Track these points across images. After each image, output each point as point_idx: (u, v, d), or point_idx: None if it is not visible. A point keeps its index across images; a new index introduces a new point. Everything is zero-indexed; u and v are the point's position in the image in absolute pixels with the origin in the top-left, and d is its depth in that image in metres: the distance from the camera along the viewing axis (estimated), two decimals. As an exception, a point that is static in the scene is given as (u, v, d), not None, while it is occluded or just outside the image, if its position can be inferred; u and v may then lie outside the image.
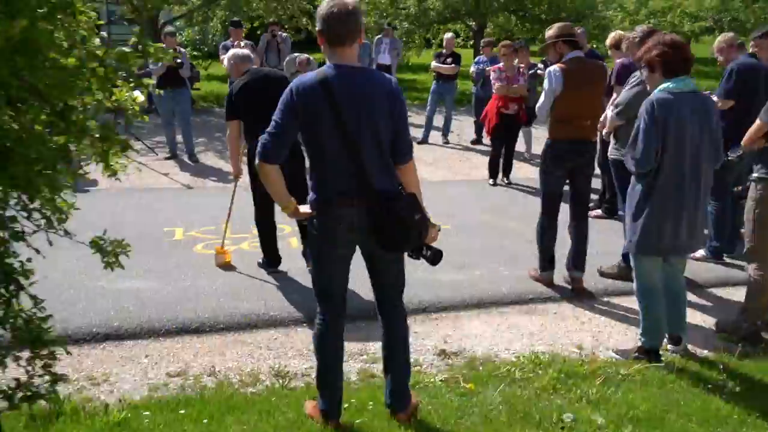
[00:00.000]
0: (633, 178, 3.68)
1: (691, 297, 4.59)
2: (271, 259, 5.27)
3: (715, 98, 5.08)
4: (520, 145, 9.76)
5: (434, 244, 2.89)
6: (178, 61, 8.62)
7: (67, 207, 1.96)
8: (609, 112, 5.41)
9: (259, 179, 4.89)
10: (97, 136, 1.48)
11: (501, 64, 8.07)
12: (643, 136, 3.45)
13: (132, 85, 1.84)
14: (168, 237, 5.97)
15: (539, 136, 10.44)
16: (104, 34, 2.22)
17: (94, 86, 1.47)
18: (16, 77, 1.16)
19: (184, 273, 5.12)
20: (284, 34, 11.73)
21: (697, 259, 5.37)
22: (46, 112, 1.33)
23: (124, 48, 1.51)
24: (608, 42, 6.46)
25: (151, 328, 4.22)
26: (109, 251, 1.88)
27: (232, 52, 5.13)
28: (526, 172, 8.93)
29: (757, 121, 3.93)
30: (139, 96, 1.88)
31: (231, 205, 5.58)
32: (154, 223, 6.34)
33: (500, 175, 8.23)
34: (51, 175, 1.37)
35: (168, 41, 9.50)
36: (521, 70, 8.07)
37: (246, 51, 5.31)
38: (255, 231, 6.09)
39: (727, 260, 5.52)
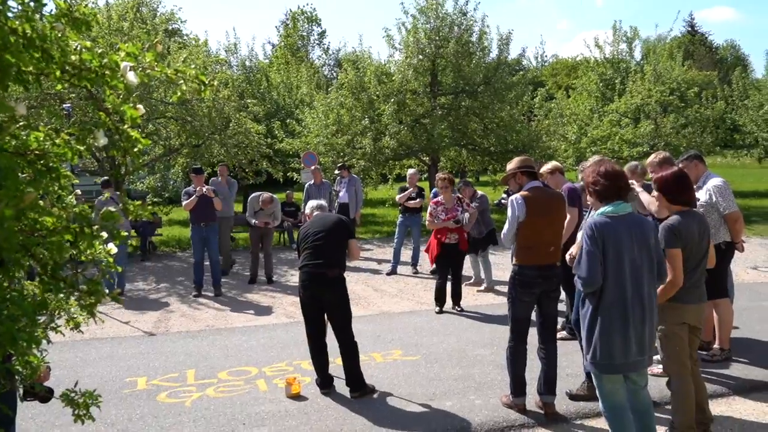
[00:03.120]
0: (583, 299, 3.83)
1: (662, 413, 4.62)
2: (323, 380, 5.53)
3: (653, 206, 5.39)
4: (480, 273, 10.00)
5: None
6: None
7: (37, 362, 1.96)
8: (580, 235, 5.68)
9: (309, 304, 5.43)
10: (85, 290, 1.54)
11: (440, 197, 8.40)
12: (586, 257, 3.67)
13: (106, 237, 1.93)
14: (130, 387, 5.78)
15: (498, 263, 10.74)
16: (78, 191, 2.33)
17: (82, 245, 1.55)
18: (9, 242, 1.24)
19: (147, 425, 4.92)
20: (232, 180, 12.16)
21: (658, 375, 5.42)
22: (37, 272, 1.40)
23: (110, 208, 1.61)
24: (548, 167, 6.78)
25: (113, 487, 4.00)
26: (80, 404, 1.87)
27: (311, 202, 6.07)
28: (488, 299, 9.07)
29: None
30: (113, 248, 1.96)
31: None
32: (116, 374, 6.15)
33: (451, 304, 8.35)
34: (30, 330, 1.41)
35: (104, 189, 9.99)
36: (461, 200, 8.40)
37: (321, 201, 6.15)
38: (221, 376, 6.00)
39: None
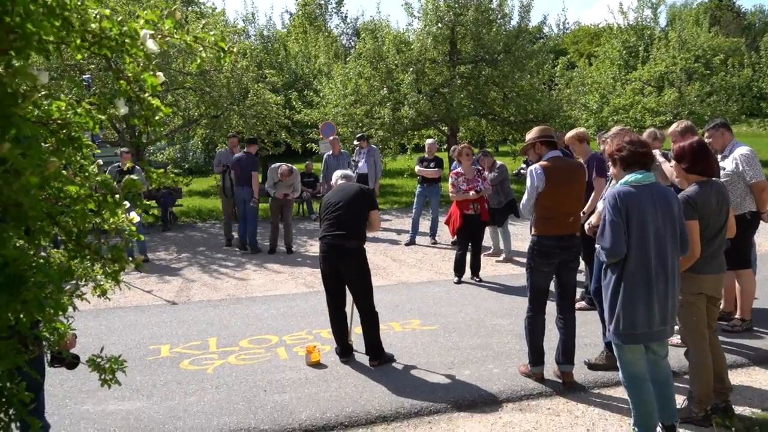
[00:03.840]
0: (605, 269, 3.81)
1: (681, 383, 4.61)
2: (342, 348, 5.60)
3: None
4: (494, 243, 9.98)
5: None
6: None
7: (64, 329, 2.00)
8: (600, 205, 5.64)
9: (328, 275, 5.47)
10: (110, 258, 1.57)
11: (460, 168, 8.35)
12: (610, 227, 3.63)
13: (127, 206, 1.95)
14: (154, 354, 5.90)
15: (517, 233, 10.70)
16: (100, 161, 2.35)
17: (105, 214, 1.57)
18: (35, 209, 1.26)
19: (171, 391, 5.03)
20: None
21: (677, 345, 5.38)
22: (63, 240, 1.42)
23: (132, 176, 1.63)
24: (573, 134, 6.64)
25: (139, 451, 4.10)
26: (107, 369, 1.91)
27: (338, 171, 6.04)
28: (507, 269, 9.06)
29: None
30: (135, 217, 1.99)
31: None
32: (140, 341, 6.28)
33: (470, 274, 8.37)
34: (57, 297, 1.44)
35: (124, 157, 10.34)
36: (481, 170, 8.37)
37: (348, 171, 6.14)
38: (242, 344, 6.09)
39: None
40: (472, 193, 8.05)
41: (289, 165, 10.59)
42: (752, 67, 24.79)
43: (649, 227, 3.60)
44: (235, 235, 11.63)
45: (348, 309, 5.61)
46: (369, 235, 5.66)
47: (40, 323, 1.72)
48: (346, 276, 5.44)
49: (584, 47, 46.46)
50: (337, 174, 5.98)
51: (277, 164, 10.60)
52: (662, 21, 25.07)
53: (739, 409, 4.34)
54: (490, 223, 9.07)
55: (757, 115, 29.58)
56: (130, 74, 1.55)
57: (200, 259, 10.48)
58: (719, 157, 5.81)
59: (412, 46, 18.13)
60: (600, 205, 5.58)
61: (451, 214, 8.37)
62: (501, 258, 9.58)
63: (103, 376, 1.91)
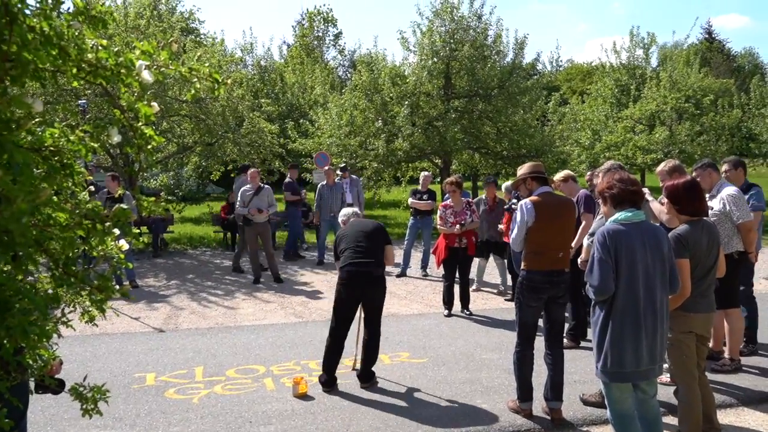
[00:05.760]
0: (594, 306, 3.81)
1: (671, 420, 4.59)
2: (330, 379, 5.59)
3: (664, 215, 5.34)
4: (494, 277, 10.00)
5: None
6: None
7: (48, 355, 1.98)
8: (585, 241, 5.68)
9: (347, 302, 5.54)
10: (96, 286, 1.56)
11: (449, 201, 8.39)
12: (598, 265, 3.64)
13: (117, 233, 1.95)
14: (139, 382, 5.82)
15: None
16: (92, 188, 2.36)
17: (93, 241, 1.57)
18: (25, 236, 1.27)
19: (155, 420, 4.96)
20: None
21: (666, 384, 5.35)
22: (50, 267, 1.42)
23: (122, 205, 1.63)
24: (561, 176, 6.86)
25: (119, 482, 4.02)
26: (89, 398, 1.89)
27: (347, 210, 6.31)
28: (498, 303, 9.05)
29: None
30: (125, 245, 1.99)
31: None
32: (125, 369, 6.20)
33: (460, 307, 8.35)
34: (42, 324, 1.43)
35: (109, 182, 10.21)
36: (471, 203, 8.43)
37: (355, 209, 6.38)
38: (229, 374, 6.03)
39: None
40: (456, 227, 8.08)
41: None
42: (741, 107, 25.20)
43: (638, 265, 3.62)
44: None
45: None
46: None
47: (23, 350, 1.71)
48: (371, 301, 5.61)
49: (577, 85, 47.13)
50: (348, 212, 6.22)
51: (247, 186, 10.66)
52: (654, 61, 25.45)
53: (727, 450, 4.32)
54: (478, 256, 9.09)
55: (747, 155, 29.93)
56: (124, 103, 1.57)
57: (189, 287, 10.41)
58: (707, 196, 5.87)
59: (408, 80, 18.33)
60: (585, 241, 5.64)
61: (438, 244, 8.40)
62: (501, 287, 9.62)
63: (84, 406, 1.88)
